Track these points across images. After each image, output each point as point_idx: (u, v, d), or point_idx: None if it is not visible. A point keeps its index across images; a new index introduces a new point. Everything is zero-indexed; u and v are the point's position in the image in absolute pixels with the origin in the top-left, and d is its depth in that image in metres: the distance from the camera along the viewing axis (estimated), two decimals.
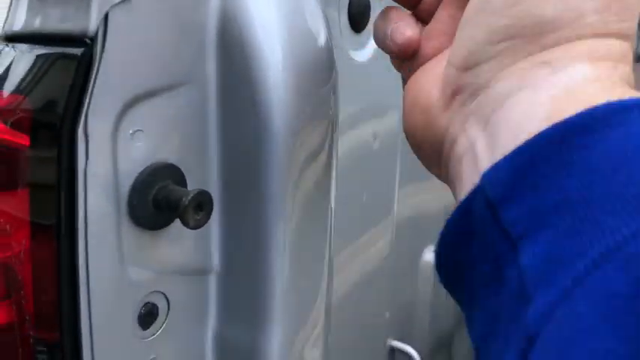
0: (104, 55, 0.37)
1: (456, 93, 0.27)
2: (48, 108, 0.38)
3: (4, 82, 0.40)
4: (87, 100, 0.37)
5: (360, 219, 0.66)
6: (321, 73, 0.46)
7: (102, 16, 0.37)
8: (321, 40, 0.45)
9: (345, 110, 0.53)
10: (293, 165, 0.45)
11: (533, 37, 0.24)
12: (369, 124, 0.63)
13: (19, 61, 0.40)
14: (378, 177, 0.68)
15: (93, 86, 0.37)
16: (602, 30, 0.23)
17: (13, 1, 0.43)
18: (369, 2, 0.59)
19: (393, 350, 0.79)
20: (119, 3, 0.38)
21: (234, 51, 0.43)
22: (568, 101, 0.22)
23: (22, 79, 0.39)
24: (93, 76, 0.37)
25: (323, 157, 0.48)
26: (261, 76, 0.42)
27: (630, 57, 0.25)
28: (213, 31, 0.43)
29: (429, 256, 0.85)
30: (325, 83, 0.46)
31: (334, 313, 0.55)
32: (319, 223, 0.50)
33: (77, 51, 0.38)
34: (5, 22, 0.43)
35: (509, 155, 0.22)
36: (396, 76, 0.38)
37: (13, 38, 0.42)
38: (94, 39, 0.37)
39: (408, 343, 0.80)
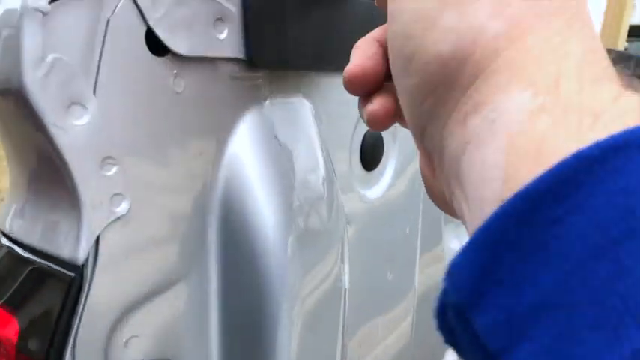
0: (95, 277, 0.36)
1: (430, 159, 0.24)
2: (35, 332, 0.37)
3: None
4: (75, 324, 0.36)
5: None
6: (325, 246, 0.46)
7: (92, 241, 0.36)
8: (325, 210, 0.46)
9: (360, 246, 0.53)
10: (294, 329, 0.45)
11: (447, 80, 0.20)
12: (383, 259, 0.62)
13: (15, 267, 0.40)
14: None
15: (83, 308, 0.36)
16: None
17: (8, 196, 0.42)
18: (382, 143, 0.58)
19: None
20: (113, 222, 0.36)
21: (236, 237, 0.42)
22: (519, 153, 0.17)
23: (15, 291, 0.39)
24: (83, 300, 0.36)
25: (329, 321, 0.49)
26: (264, 263, 0.42)
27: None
28: (215, 222, 0.42)
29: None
30: (329, 249, 0.46)
31: None
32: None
33: (67, 275, 0.37)
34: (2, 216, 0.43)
35: (470, 243, 0.17)
36: (405, 208, 0.47)
37: (8, 237, 0.41)
38: (84, 265, 0.36)
39: None
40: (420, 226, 0.65)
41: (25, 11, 0.31)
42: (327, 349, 0.51)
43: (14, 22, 0.31)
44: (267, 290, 0.41)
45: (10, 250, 0.41)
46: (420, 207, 0.66)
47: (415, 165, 0.64)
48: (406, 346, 0.68)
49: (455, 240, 0.88)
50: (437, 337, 0.20)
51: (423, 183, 0.28)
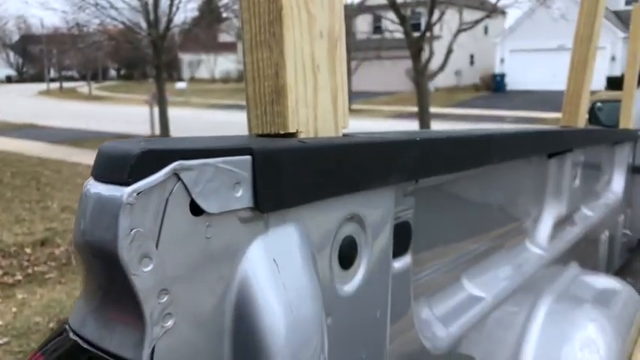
0: None
1: None
2: None
3: None
4: None
5: None
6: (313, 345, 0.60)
7: (152, 347, 0.50)
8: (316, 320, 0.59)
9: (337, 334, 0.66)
10: None
11: None
12: None
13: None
14: None
15: None
16: None
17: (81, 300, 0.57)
18: (355, 243, 0.71)
19: None
20: (164, 334, 0.50)
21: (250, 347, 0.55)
22: None
23: None
24: None
25: None
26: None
27: None
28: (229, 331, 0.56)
29: None
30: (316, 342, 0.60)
31: None
32: None
33: None
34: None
35: None
36: (375, 296, 0.60)
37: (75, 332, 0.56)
38: None
39: None
40: (389, 306, 0.79)
41: (121, 204, 0.48)
42: None
43: (112, 210, 0.48)
44: None
45: (77, 343, 0.54)
46: (389, 290, 0.80)
47: (385, 258, 0.78)
48: None
49: (426, 309, 1.02)
50: None
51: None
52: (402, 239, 0.79)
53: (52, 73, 53.27)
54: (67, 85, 48.55)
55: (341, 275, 0.67)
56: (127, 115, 24.18)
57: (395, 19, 11.62)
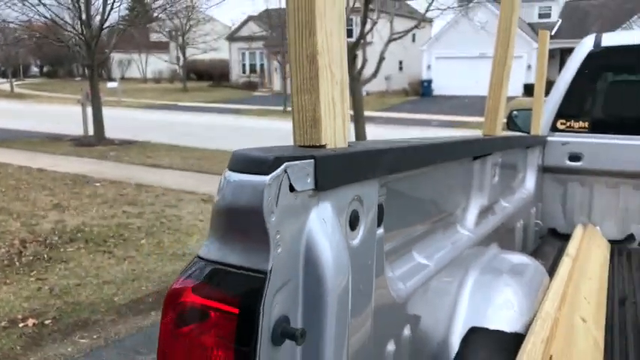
0: (271, 277, 0.82)
1: None
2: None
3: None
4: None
5: None
6: (346, 269, 0.95)
7: (273, 259, 0.81)
8: (344, 258, 0.94)
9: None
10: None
11: None
12: None
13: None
14: None
15: (266, 292, 0.81)
16: None
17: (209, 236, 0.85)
18: (357, 214, 1.06)
19: None
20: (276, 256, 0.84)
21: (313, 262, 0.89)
22: None
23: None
24: (268, 288, 0.81)
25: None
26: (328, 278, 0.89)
27: None
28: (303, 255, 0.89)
29: None
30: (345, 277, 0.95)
31: None
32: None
33: (261, 275, 0.81)
34: (202, 249, 0.86)
35: None
36: (368, 254, 0.96)
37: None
38: (267, 273, 0.81)
39: None
40: (375, 258, 1.14)
41: (265, 184, 0.80)
42: None
43: (259, 187, 0.79)
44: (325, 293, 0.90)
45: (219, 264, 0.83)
46: (375, 248, 1.13)
47: (373, 227, 1.13)
48: None
49: (390, 272, 1.37)
50: None
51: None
52: (380, 216, 1.15)
53: None
54: None
55: (350, 234, 1.01)
56: (55, 115, 23.31)
57: None
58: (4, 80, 43.09)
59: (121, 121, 19.41)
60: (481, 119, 3.33)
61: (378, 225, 1.14)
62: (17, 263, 5.75)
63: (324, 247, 0.86)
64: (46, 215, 7.57)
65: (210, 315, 0.78)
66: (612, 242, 3.34)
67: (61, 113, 23.54)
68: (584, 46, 3.49)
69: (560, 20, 35.80)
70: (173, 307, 0.81)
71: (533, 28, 32.45)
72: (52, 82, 48.95)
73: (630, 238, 3.38)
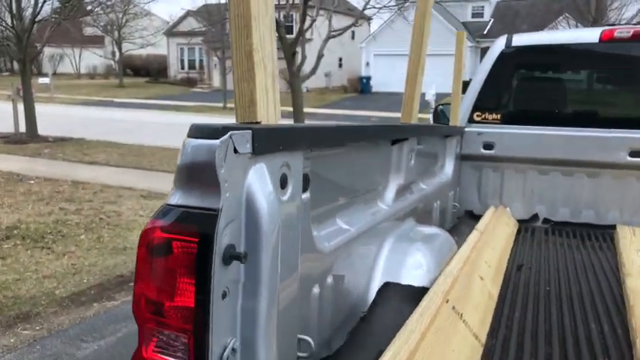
0: (221, 214, 1.07)
1: None
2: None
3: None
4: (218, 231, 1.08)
5: None
6: (276, 213, 1.21)
7: (223, 201, 1.07)
8: (275, 205, 1.19)
9: None
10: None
11: None
12: None
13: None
14: None
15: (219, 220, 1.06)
16: None
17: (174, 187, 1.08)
18: (286, 176, 1.32)
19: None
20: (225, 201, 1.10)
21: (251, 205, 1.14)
22: None
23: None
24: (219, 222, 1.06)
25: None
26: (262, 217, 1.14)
27: None
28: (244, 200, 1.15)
29: None
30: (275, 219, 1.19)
31: None
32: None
33: (214, 212, 1.06)
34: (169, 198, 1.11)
35: None
36: (295, 209, 1.28)
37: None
38: (219, 210, 1.07)
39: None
40: (302, 212, 1.41)
41: (217, 146, 1.05)
42: None
43: (212, 148, 1.05)
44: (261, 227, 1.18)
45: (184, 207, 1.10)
46: (302, 207, 1.41)
47: (299, 189, 1.40)
48: None
49: (316, 231, 1.64)
50: None
51: None
52: (305, 183, 1.43)
53: None
54: None
55: (281, 191, 1.28)
56: None
57: None
58: None
59: (55, 117, 18.84)
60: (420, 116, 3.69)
61: (304, 190, 1.42)
62: None
63: (259, 196, 1.13)
64: None
65: (176, 246, 1.03)
66: (520, 221, 3.78)
67: None
68: (497, 46, 3.91)
69: (492, 20, 37.43)
70: (146, 244, 1.05)
71: (467, 28, 33.79)
72: None
73: (535, 217, 3.83)
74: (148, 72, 42.90)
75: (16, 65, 15.17)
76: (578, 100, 4.03)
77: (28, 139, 14.22)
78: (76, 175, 10.13)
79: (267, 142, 1.16)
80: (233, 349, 1.08)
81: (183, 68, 42.26)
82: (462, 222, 3.66)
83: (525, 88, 3.99)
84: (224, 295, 1.06)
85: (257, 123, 1.21)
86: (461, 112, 3.91)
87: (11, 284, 5.07)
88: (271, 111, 1.24)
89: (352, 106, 28.75)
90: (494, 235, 3.01)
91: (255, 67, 1.16)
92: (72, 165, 11.40)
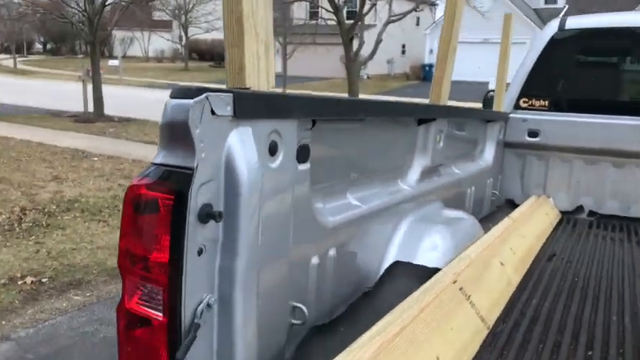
0: (196, 173, 1.10)
1: None
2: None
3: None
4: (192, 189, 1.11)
5: None
6: (258, 177, 1.23)
7: (197, 160, 1.10)
8: (257, 169, 1.20)
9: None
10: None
11: None
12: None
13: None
14: None
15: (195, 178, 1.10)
16: None
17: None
18: (276, 144, 1.33)
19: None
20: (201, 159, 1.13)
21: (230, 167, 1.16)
22: None
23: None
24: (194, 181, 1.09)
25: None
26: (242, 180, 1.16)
27: None
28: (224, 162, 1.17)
29: None
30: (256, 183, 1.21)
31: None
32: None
33: (189, 171, 1.09)
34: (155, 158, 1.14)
35: None
36: (288, 176, 1.30)
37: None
38: (193, 169, 1.10)
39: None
40: (296, 181, 1.41)
41: (191, 105, 1.07)
42: None
43: (187, 107, 1.07)
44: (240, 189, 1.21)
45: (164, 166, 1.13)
46: (296, 176, 1.40)
47: (292, 158, 1.40)
48: None
49: (321, 203, 1.66)
50: None
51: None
52: (304, 154, 1.44)
53: None
54: None
55: (270, 158, 1.29)
56: (56, 91, 23.54)
57: (330, 7, 12.31)
58: (8, 56, 43.21)
59: (121, 98, 19.64)
60: (480, 105, 3.59)
61: (304, 161, 1.43)
62: (17, 229, 6.07)
63: (240, 158, 1.15)
64: (45, 186, 7.87)
65: (154, 203, 1.08)
66: (564, 213, 3.63)
67: (62, 90, 23.76)
68: (549, 29, 3.74)
69: (567, 6, 35.70)
70: (129, 201, 1.11)
71: (539, 15, 32.40)
72: (55, 59, 49.06)
73: (580, 209, 3.67)
74: (213, 56, 43.86)
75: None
76: (633, 87, 3.81)
77: (95, 118, 14.92)
78: (137, 153, 10.56)
79: (250, 106, 1.18)
80: (209, 305, 1.12)
81: None
82: (500, 210, 3.57)
83: (577, 74, 3.81)
84: (200, 252, 1.10)
85: (246, 89, 1.23)
86: (507, 98, 3.79)
87: (67, 253, 5.38)
88: (263, 78, 1.26)
89: (413, 93, 28.23)
90: (529, 224, 2.92)
91: (245, 33, 1.18)
92: (134, 144, 11.88)
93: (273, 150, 1.28)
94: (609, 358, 1.65)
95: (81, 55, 43.36)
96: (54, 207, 6.78)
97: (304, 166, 1.44)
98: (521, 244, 2.54)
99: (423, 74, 34.61)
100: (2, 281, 4.70)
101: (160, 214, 1.06)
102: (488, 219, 3.11)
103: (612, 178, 3.56)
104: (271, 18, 1.26)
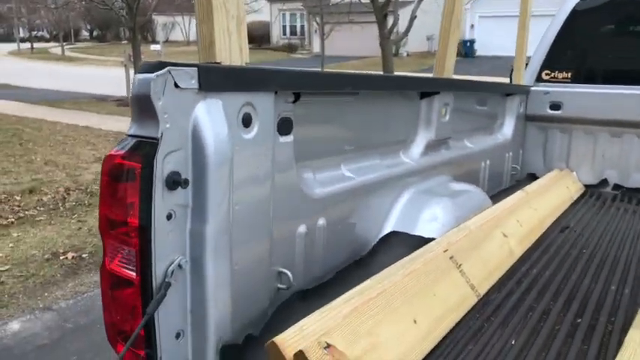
0: (161, 142, 1.17)
1: None
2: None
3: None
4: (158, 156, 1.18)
5: None
6: (227, 147, 1.28)
7: (162, 130, 1.18)
8: (226, 140, 1.25)
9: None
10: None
11: None
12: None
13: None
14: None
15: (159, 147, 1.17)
16: None
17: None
18: (250, 116, 1.38)
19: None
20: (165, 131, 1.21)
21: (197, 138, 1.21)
22: None
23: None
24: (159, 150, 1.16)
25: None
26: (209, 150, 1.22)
27: None
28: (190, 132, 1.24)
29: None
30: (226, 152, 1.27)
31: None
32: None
33: (154, 140, 1.16)
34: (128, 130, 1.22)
35: None
36: (266, 150, 1.39)
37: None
38: (158, 139, 1.17)
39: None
40: (274, 155, 1.47)
41: (152, 79, 1.15)
42: None
43: (148, 80, 1.14)
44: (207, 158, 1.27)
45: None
46: (274, 148, 1.46)
47: (270, 131, 1.45)
48: None
49: (310, 173, 1.70)
50: None
51: None
52: (286, 127, 1.50)
53: (22, 33, 52.20)
54: (37, 45, 47.80)
55: (244, 129, 1.35)
56: (101, 77, 24.30)
57: None
58: (56, 44, 44.68)
59: None
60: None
61: (286, 134, 1.49)
62: (61, 208, 6.39)
63: (207, 129, 1.21)
64: (89, 167, 8.21)
65: (125, 171, 1.16)
66: (587, 186, 3.56)
67: (107, 75, 24.48)
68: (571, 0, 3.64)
69: None
70: (104, 170, 1.20)
71: None
72: (100, 45, 50.45)
73: (604, 182, 3.59)
74: (253, 38, 44.05)
75: None
76: None
77: None
78: None
79: (216, 79, 1.24)
80: (179, 266, 1.20)
81: (284, 34, 42.90)
82: (520, 184, 3.53)
83: (601, 45, 3.69)
84: (170, 217, 1.18)
85: (216, 63, 1.29)
86: (529, 70, 3.72)
87: None
88: (235, 53, 1.31)
89: (454, 70, 27.70)
90: (544, 197, 2.89)
91: (214, 10, 1.23)
92: None
93: (247, 122, 1.33)
94: (598, 325, 1.65)
95: (125, 41, 44.40)
96: (95, 187, 7.07)
97: (286, 138, 1.49)
98: (530, 216, 2.53)
99: (464, 50, 33.76)
100: (46, 256, 4.98)
101: (130, 181, 1.14)
102: (505, 193, 3.09)
103: (638, 151, 3.46)
104: None
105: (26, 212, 6.21)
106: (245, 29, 1.33)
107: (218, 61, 1.28)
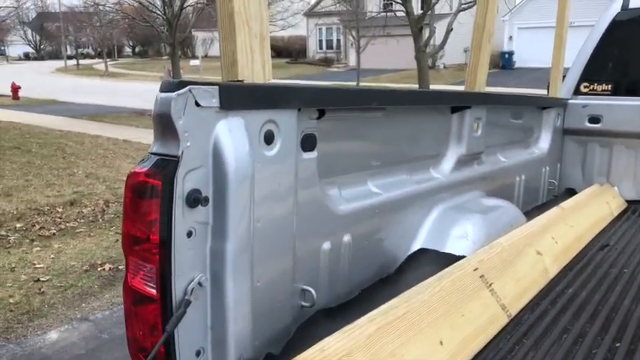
0: (181, 161, 1.18)
1: None
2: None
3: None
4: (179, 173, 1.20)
5: None
6: (248, 165, 1.29)
7: (182, 149, 1.19)
8: (247, 157, 1.26)
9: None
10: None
11: None
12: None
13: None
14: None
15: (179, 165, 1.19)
16: None
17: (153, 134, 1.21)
18: (272, 133, 1.38)
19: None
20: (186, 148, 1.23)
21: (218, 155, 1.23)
22: None
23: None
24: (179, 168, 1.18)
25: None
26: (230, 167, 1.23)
27: None
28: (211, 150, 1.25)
29: None
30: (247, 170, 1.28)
31: None
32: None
33: (175, 158, 1.18)
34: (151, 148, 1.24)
35: None
36: (289, 167, 1.38)
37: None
38: (178, 157, 1.19)
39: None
40: (297, 171, 1.45)
41: (173, 98, 1.18)
42: None
43: (169, 100, 1.15)
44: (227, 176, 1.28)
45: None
46: (298, 164, 1.44)
47: (293, 147, 1.44)
48: None
49: (335, 189, 1.69)
50: None
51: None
52: (310, 143, 1.49)
53: (69, 51, 54.22)
54: (83, 62, 49.55)
55: (266, 147, 1.35)
56: (142, 92, 24.95)
57: None
58: (100, 60, 46.21)
59: None
60: None
61: (310, 150, 1.48)
62: (100, 220, 6.54)
63: (228, 147, 1.22)
64: None
65: (147, 189, 1.17)
66: (630, 202, 3.42)
67: (147, 90, 25.08)
68: (612, 9, 3.53)
69: None
70: (128, 187, 1.22)
71: None
72: (142, 61, 51.93)
73: None
74: (290, 53, 44.55)
75: None
76: None
77: None
78: None
79: (237, 98, 1.24)
80: (199, 284, 1.20)
81: (321, 48, 43.21)
82: (557, 200, 3.42)
83: None
84: (190, 234, 1.18)
85: (239, 82, 1.29)
86: (566, 83, 3.62)
87: None
88: (258, 71, 1.32)
89: (491, 82, 27.03)
90: (582, 213, 2.79)
91: (237, 28, 1.24)
92: None
93: (269, 139, 1.33)
94: (638, 350, 1.57)
95: (166, 57, 45.53)
96: None
97: (310, 154, 1.48)
98: (566, 233, 2.44)
99: (502, 62, 33.29)
100: (84, 268, 5.10)
101: (151, 198, 1.16)
102: (541, 208, 3.00)
103: None
104: (266, 12, 1.32)
105: (67, 224, 6.38)
106: (268, 46, 1.34)
107: (240, 79, 1.29)
